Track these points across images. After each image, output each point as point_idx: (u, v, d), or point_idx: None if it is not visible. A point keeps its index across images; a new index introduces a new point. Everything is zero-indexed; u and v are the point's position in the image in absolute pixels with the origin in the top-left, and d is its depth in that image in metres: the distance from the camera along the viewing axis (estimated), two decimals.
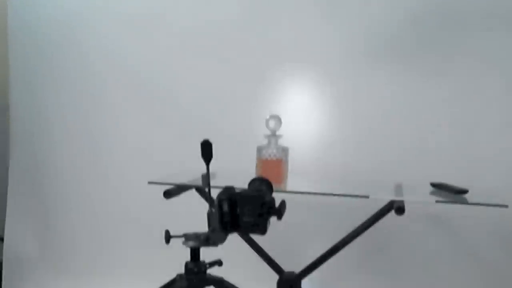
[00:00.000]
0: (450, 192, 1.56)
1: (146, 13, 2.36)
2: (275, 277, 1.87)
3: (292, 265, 1.88)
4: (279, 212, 1.12)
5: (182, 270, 1.26)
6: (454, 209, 1.67)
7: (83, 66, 2.44)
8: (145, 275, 2.16)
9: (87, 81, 2.45)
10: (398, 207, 1.40)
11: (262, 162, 1.62)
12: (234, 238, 1.24)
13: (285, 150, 1.63)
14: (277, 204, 1.13)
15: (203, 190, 1.74)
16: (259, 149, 1.63)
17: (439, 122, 2.09)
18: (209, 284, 1.27)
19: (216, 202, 1.13)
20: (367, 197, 1.50)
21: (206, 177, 1.19)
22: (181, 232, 1.22)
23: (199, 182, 1.65)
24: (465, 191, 1.52)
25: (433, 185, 1.67)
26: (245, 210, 1.12)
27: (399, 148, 2.12)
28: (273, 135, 1.62)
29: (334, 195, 1.54)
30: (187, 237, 1.22)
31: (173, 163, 2.13)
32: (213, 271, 1.28)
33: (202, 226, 1.23)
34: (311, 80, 2.21)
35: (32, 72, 2.53)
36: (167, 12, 2.34)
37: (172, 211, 1.99)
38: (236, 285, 1.32)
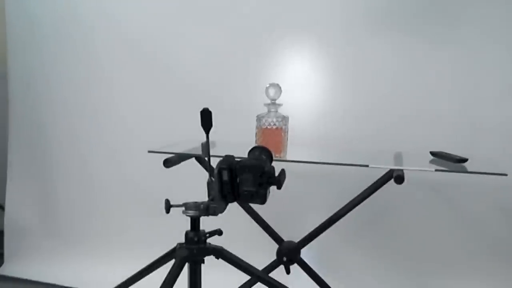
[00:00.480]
0: (449, 161, 1.55)
1: None
2: (275, 246, 1.89)
3: (292, 235, 1.90)
4: (279, 181, 1.11)
5: (182, 239, 1.27)
6: (454, 177, 1.67)
7: (82, 34, 2.41)
8: (145, 244, 2.19)
9: (86, 50, 2.42)
10: (397, 176, 1.40)
11: (261, 130, 1.61)
12: (234, 208, 1.24)
13: (285, 119, 1.61)
14: (276, 173, 1.13)
15: (202, 159, 1.73)
16: (259, 118, 1.61)
17: (439, 90, 2.08)
18: (209, 254, 1.27)
19: (215, 171, 1.12)
20: (366, 166, 1.50)
21: (206, 146, 1.18)
22: (181, 201, 1.22)
23: (199, 151, 1.64)
24: (464, 160, 1.52)
25: (433, 153, 1.67)
26: (245, 179, 1.11)
27: (399, 116, 2.11)
28: (273, 104, 1.60)
29: (334, 164, 1.54)
30: (187, 206, 1.21)
31: (173, 132, 2.12)
32: (213, 241, 1.28)
33: (202, 195, 1.23)
34: (312, 48, 2.19)
35: (31, 36, 2.50)
36: None
37: (172, 180, 2.00)
38: (236, 254, 1.32)
